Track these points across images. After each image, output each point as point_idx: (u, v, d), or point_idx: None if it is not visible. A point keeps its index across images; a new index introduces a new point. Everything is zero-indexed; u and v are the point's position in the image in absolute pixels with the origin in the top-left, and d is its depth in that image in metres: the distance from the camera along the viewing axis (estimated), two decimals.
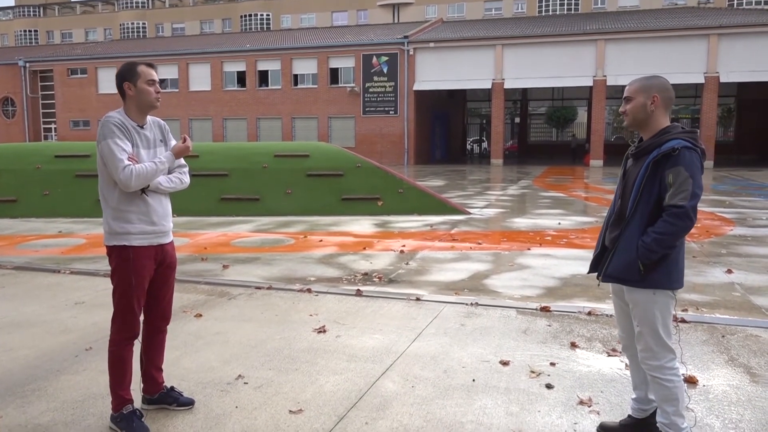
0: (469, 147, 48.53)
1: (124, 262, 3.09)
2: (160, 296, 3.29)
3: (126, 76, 3.11)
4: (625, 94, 2.91)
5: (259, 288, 6.13)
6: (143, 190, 3.10)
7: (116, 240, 3.10)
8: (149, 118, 3.25)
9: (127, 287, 3.11)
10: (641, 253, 2.72)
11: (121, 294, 3.12)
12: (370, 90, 34.38)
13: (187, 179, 3.33)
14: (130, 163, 3.00)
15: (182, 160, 3.34)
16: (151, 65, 3.16)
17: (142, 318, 3.24)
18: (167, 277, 3.30)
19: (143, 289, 3.16)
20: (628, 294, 2.86)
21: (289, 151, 13.40)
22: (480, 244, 8.87)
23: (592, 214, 12.58)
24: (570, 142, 40.88)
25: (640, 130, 2.91)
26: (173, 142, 3.32)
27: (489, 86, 32.75)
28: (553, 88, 40.53)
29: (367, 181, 12.59)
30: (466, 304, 5.46)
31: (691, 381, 3.70)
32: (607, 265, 2.89)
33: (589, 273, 3.14)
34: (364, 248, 8.51)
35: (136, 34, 60.79)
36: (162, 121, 3.35)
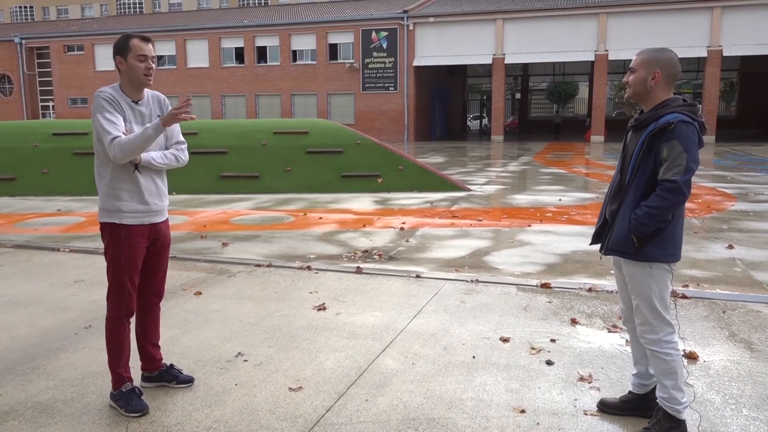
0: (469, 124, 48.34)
1: (116, 240, 3.07)
2: (152, 274, 3.26)
3: (118, 49, 3.04)
4: (630, 65, 2.89)
5: (258, 266, 6.11)
6: (136, 167, 3.04)
7: (108, 217, 3.07)
8: (149, 92, 3.16)
9: (119, 265, 3.08)
10: (633, 226, 2.73)
11: (114, 271, 3.10)
12: (370, 66, 34.07)
13: (184, 157, 3.24)
14: (118, 135, 2.94)
15: (181, 137, 3.27)
16: (146, 39, 3.06)
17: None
18: (160, 255, 3.27)
19: (136, 267, 3.12)
20: (625, 267, 2.88)
21: (288, 128, 13.31)
22: (480, 220, 8.84)
23: (592, 190, 12.53)
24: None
25: (640, 103, 2.90)
26: None
27: (489, 62, 32.44)
28: (554, 63, 40.15)
29: (366, 158, 12.52)
30: (467, 281, 5.45)
31: (691, 357, 3.70)
32: (609, 238, 2.90)
33: (591, 245, 3.15)
34: (364, 225, 8.49)
35: (132, 9, 60.01)
36: (162, 96, 3.25)
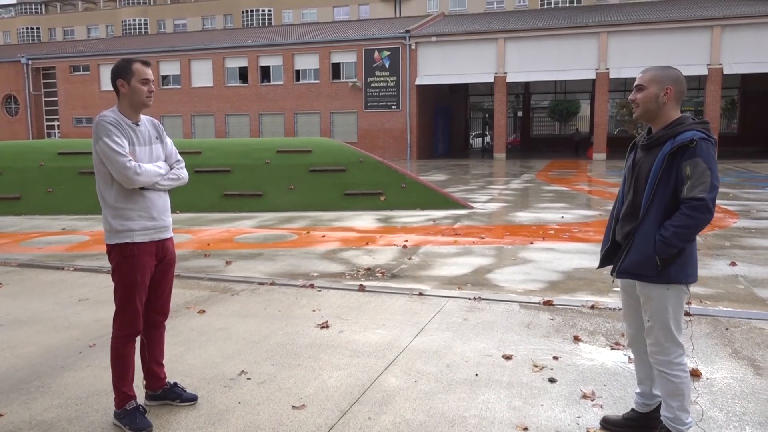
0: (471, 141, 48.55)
1: (126, 260, 3.10)
2: (159, 292, 3.29)
3: (120, 73, 3.11)
4: (637, 82, 2.82)
5: (262, 284, 6.13)
6: (142, 186, 3.11)
7: (118, 238, 3.10)
8: (142, 117, 3.25)
9: (129, 284, 3.11)
10: (659, 247, 2.65)
11: (123, 291, 3.13)
12: (372, 85, 34.31)
13: (185, 174, 3.34)
14: (131, 159, 3.02)
15: (178, 156, 3.36)
16: (146, 63, 3.15)
17: None
18: (166, 273, 3.31)
19: (145, 286, 3.16)
20: (640, 289, 2.81)
21: (291, 147, 13.39)
22: (483, 238, 8.86)
23: (595, 207, 12.55)
24: (573, 136, 40.97)
25: (649, 122, 2.84)
26: (168, 140, 3.34)
27: (491, 80, 32.66)
28: (555, 82, 40.40)
29: (369, 176, 12.58)
30: (469, 299, 5.46)
31: (695, 374, 3.69)
32: (623, 261, 2.82)
33: (599, 268, 3.09)
34: (367, 243, 8.51)
35: (137, 30, 60.82)
36: (155, 120, 3.37)
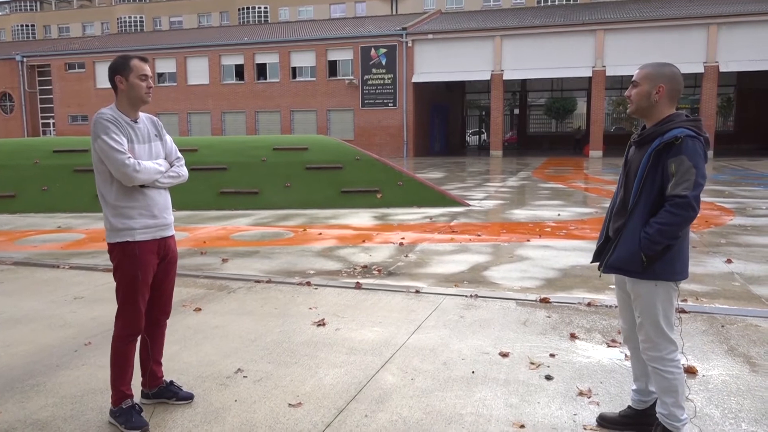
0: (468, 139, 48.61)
1: (128, 258, 3.08)
2: (161, 291, 3.28)
3: (118, 69, 3.08)
4: (633, 78, 2.84)
5: (258, 281, 6.12)
6: (142, 185, 3.09)
7: (119, 237, 3.08)
8: (141, 114, 3.23)
9: (132, 283, 3.09)
10: (644, 244, 2.68)
11: (126, 290, 3.11)
12: (369, 82, 34.30)
13: (185, 172, 3.31)
14: (131, 156, 3.01)
15: (178, 153, 3.34)
16: (144, 59, 3.13)
17: None
18: (168, 271, 3.29)
19: (147, 284, 3.14)
20: (630, 285, 2.83)
21: (288, 145, 13.38)
22: (479, 236, 8.86)
23: (591, 204, 12.56)
24: (574, 134, 41.07)
25: (643, 118, 2.85)
26: (168, 137, 3.31)
27: (488, 78, 32.68)
28: (552, 79, 40.47)
29: (366, 173, 12.57)
30: (466, 296, 5.46)
31: (690, 371, 3.70)
32: (610, 255, 2.85)
33: (592, 263, 3.11)
34: (364, 241, 8.50)
35: (133, 27, 60.63)
36: (154, 117, 3.34)
